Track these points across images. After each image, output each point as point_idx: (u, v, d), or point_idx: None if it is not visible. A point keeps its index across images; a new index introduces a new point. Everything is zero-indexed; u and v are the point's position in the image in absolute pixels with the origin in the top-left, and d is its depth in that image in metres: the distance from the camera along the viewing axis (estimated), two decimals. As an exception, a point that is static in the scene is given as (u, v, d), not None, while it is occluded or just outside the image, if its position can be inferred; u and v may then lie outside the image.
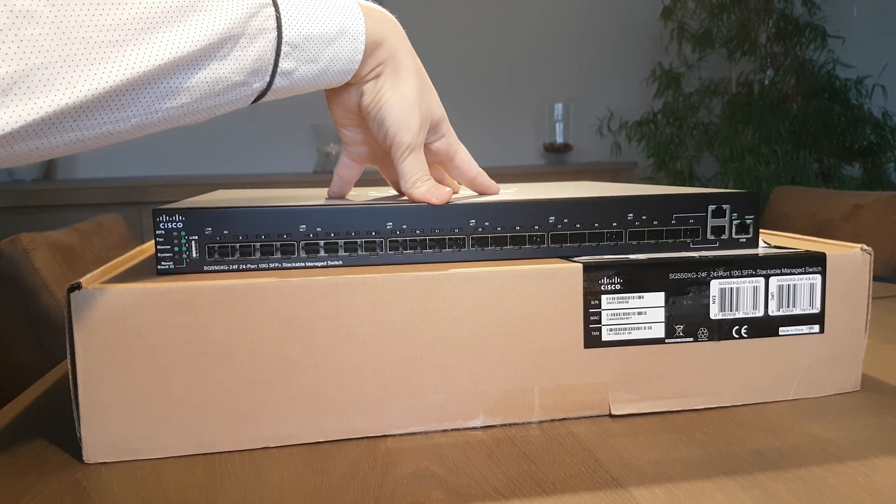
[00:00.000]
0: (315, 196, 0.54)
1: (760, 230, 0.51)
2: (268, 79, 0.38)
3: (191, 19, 0.34)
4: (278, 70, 0.38)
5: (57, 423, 0.45)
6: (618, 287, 0.43)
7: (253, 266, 0.42)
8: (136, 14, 0.32)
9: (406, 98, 0.45)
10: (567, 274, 0.42)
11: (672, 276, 0.44)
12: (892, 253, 1.34)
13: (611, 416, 0.44)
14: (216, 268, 0.42)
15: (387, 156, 0.48)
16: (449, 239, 0.44)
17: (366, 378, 0.41)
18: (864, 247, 0.47)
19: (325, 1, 0.40)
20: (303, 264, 0.43)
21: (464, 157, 0.52)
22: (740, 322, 0.45)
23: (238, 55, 0.36)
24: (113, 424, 0.38)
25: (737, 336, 0.45)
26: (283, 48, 0.38)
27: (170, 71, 0.34)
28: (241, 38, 0.36)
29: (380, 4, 0.46)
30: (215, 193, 0.62)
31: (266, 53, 0.37)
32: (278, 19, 0.38)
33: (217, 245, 0.42)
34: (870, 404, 0.45)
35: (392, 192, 0.59)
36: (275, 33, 0.38)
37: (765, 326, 0.45)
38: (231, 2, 0.35)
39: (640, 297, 0.43)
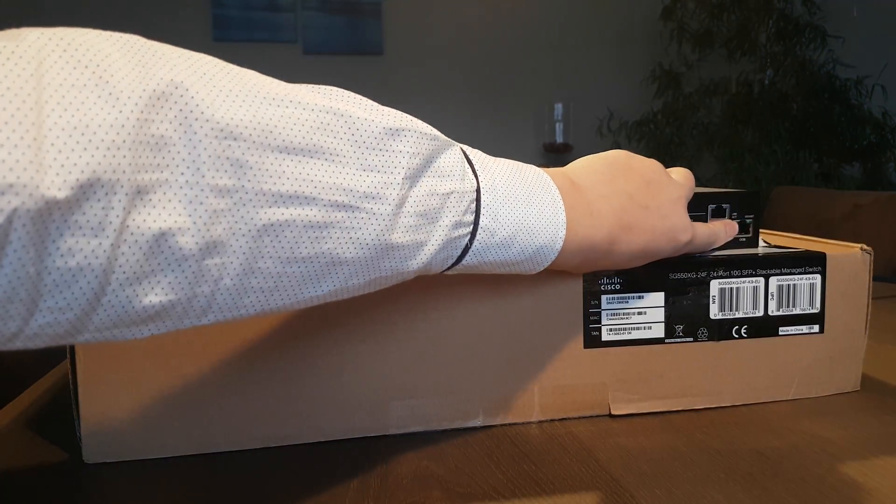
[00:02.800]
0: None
1: (760, 230, 0.51)
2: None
3: (383, 262, 0.31)
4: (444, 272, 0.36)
5: (57, 423, 0.45)
6: (617, 287, 0.43)
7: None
8: (330, 256, 0.29)
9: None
10: (567, 274, 0.42)
11: (672, 276, 0.44)
12: (892, 253, 1.34)
13: (611, 416, 0.44)
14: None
15: None
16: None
17: (366, 378, 0.41)
18: (864, 247, 0.47)
19: (532, 227, 0.36)
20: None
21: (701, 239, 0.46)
22: (740, 322, 0.45)
23: (407, 276, 0.34)
24: (113, 424, 0.38)
25: (737, 336, 0.45)
26: (457, 266, 0.35)
27: (328, 298, 0.31)
28: (421, 269, 0.33)
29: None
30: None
31: (434, 271, 0.35)
32: (466, 249, 0.34)
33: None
34: (870, 404, 0.45)
35: None
36: (454, 261, 0.34)
37: (765, 326, 0.45)
38: (433, 241, 0.32)
39: (639, 297, 0.43)
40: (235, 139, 0.26)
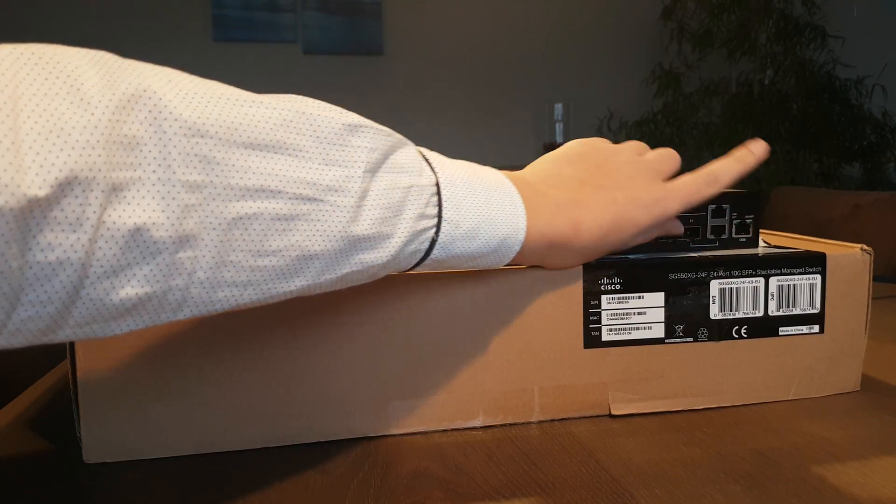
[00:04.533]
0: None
1: (760, 230, 0.51)
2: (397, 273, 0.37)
3: (351, 256, 0.32)
4: (412, 271, 0.37)
5: (57, 423, 0.45)
6: (617, 287, 0.43)
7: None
8: (299, 249, 0.30)
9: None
10: (567, 274, 0.42)
11: (672, 276, 0.44)
12: (892, 253, 1.34)
13: (611, 416, 0.44)
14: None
15: None
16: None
17: (366, 378, 0.41)
18: (864, 247, 0.47)
19: (494, 218, 0.37)
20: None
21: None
22: (740, 322, 0.45)
23: (378, 273, 0.34)
24: (113, 424, 0.38)
25: (737, 336, 0.45)
26: (426, 261, 0.36)
27: (302, 293, 0.32)
28: (390, 263, 0.34)
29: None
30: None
31: (405, 267, 0.36)
32: (433, 242, 0.35)
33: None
34: (870, 404, 0.45)
35: None
36: (423, 254, 0.35)
37: (765, 326, 0.45)
38: (399, 233, 0.33)
39: (639, 297, 0.43)
40: (202, 136, 0.27)
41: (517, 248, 0.38)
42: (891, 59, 3.00)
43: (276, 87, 2.94)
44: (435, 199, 0.35)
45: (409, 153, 0.35)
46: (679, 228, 0.46)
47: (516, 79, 3.22)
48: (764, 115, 2.78)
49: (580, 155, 0.44)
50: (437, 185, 0.35)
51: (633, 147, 0.45)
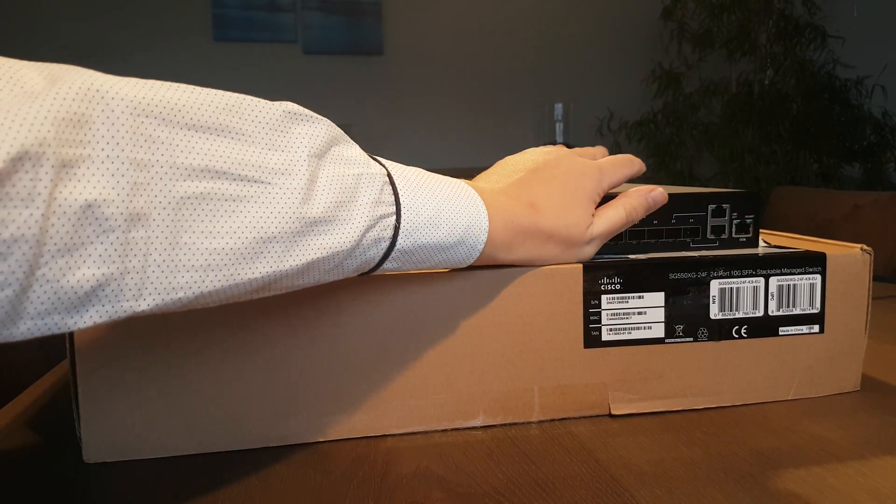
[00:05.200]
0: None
1: (760, 230, 0.51)
2: (366, 271, 0.36)
3: (310, 239, 0.32)
4: (380, 268, 0.37)
5: (57, 423, 0.45)
6: (617, 287, 0.43)
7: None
8: (254, 230, 0.30)
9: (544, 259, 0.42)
10: (567, 274, 0.42)
11: (672, 275, 0.44)
12: (892, 253, 1.34)
13: (611, 416, 0.44)
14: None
15: None
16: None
17: (366, 378, 0.41)
18: (864, 247, 0.47)
19: (453, 206, 0.37)
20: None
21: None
22: (740, 322, 0.45)
23: (346, 263, 0.34)
24: (113, 424, 0.38)
25: (737, 336, 0.45)
26: (392, 253, 0.36)
27: (269, 282, 0.32)
28: (355, 250, 0.34)
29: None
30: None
31: (373, 258, 0.35)
32: (396, 229, 0.35)
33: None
34: (870, 404, 0.45)
35: None
36: (388, 242, 0.35)
37: (765, 326, 0.45)
38: (357, 218, 0.33)
39: (639, 297, 0.43)
40: (147, 116, 0.28)
41: (483, 236, 0.39)
42: (891, 59, 3.00)
43: (275, 87, 2.94)
44: (389, 187, 0.35)
45: (355, 149, 0.36)
46: (652, 189, 0.46)
47: (516, 79, 3.22)
48: (764, 115, 2.78)
49: (514, 162, 0.45)
50: (389, 175, 0.36)
51: (575, 150, 0.47)
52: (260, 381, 0.40)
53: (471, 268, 0.41)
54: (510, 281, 0.42)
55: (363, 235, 0.34)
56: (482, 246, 0.39)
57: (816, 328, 0.46)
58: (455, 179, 0.40)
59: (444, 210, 0.37)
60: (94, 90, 0.26)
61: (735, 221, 0.48)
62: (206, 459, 0.39)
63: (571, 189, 0.43)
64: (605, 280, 0.43)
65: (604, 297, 0.43)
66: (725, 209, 0.48)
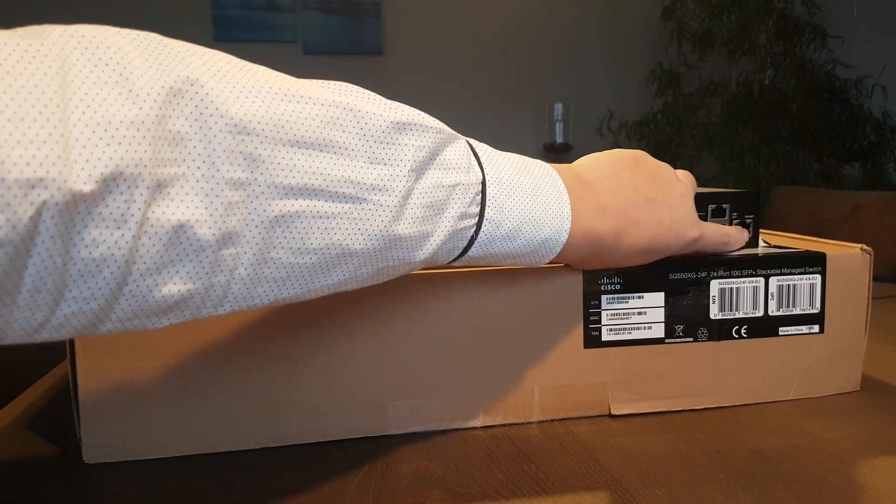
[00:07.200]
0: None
1: (760, 230, 0.51)
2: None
3: (390, 253, 0.32)
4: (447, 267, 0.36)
5: (57, 423, 0.45)
6: (617, 287, 0.43)
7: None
8: (340, 247, 0.30)
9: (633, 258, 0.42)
10: (567, 274, 0.42)
11: (672, 276, 0.44)
12: (892, 253, 1.34)
13: (611, 416, 0.44)
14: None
15: None
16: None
17: (366, 378, 0.41)
18: (864, 247, 0.47)
19: (537, 220, 0.36)
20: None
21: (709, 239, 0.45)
22: (740, 322, 0.45)
23: (414, 267, 0.34)
24: (113, 424, 0.38)
25: (737, 336, 0.45)
26: (462, 258, 0.36)
27: (339, 287, 0.32)
28: (427, 259, 0.34)
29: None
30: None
31: (440, 262, 0.35)
32: (472, 239, 0.35)
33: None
34: (870, 404, 0.45)
35: None
36: (460, 252, 0.35)
37: (765, 326, 0.45)
38: (439, 232, 0.33)
39: (639, 297, 0.43)
40: (248, 134, 0.27)
41: (558, 249, 0.38)
42: (891, 59, 3.00)
43: (276, 87, 2.94)
44: (479, 197, 0.35)
45: (459, 149, 0.35)
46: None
47: (516, 79, 3.22)
48: (764, 115, 2.78)
49: (635, 160, 0.43)
50: (483, 182, 0.35)
51: (679, 173, 0.46)
52: (260, 382, 0.40)
53: (471, 268, 0.41)
54: (510, 281, 0.42)
55: (440, 247, 0.34)
56: (552, 256, 0.38)
57: (816, 328, 0.46)
58: (554, 177, 0.38)
59: (527, 224, 0.36)
60: (192, 92, 0.25)
61: (735, 221, 0.48)
62: (206, 459, 0.39)
63: (661, 244, 0.41)
64: (605, 280, 0.43)
65: (604, 297, 0.43)
66: (725, 209, 0.48)
